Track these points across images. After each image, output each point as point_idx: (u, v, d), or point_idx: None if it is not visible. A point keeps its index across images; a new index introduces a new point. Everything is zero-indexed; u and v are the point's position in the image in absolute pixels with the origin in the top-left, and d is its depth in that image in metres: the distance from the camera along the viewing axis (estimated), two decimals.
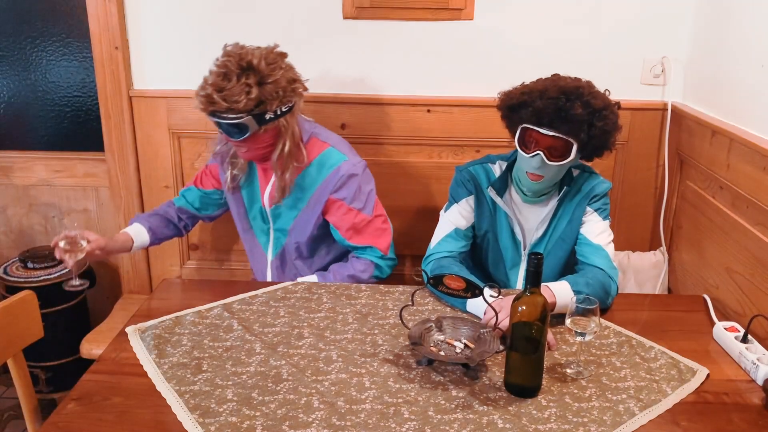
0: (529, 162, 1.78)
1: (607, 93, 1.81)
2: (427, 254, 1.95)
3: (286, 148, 1.88)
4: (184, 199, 2.13)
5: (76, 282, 1.91)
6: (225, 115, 1.78)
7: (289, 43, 2.33)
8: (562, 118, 1.71)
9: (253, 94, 1.76)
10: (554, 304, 1.66)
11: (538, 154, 1.75)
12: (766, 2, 1.79)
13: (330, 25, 2.33)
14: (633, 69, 2.35)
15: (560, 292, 1.67)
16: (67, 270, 2.45)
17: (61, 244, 1.80)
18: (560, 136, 1.73)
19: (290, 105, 1.86)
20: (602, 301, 1.71)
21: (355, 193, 1.93)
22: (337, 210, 1.95)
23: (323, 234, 2.03)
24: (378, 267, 1.94)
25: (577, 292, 1.67)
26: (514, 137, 1.82)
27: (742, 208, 1.83)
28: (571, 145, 1.75)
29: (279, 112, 1.84)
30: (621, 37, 2.31)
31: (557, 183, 1.88)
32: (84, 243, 1.82)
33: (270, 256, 2.10)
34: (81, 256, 1.83)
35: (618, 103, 1.82)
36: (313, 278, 1.96)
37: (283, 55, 1.86)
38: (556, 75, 1.82)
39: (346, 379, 1.46)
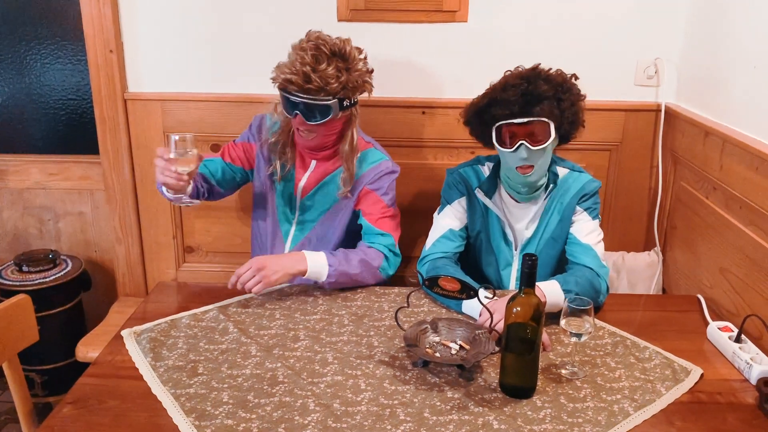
0: (514, 157, 1.78)
1: (559, 71, 1.84)
2: (422, 256, 1.96)
3: (355, 138, 1.97)
4: (206, 168, 2.06)
5: (188, 199, 1.84)
6: (315, 96, 1.82)
7: (283, 46, 2.35)
8: (531, 101, 1.74)
9: (343, 78, 1.82)
10: (544, 304, 1.66)
11: (521, 144, 1.75)
12: (758, 4, 1.80)
13: (325, 27, 2.28)
14: (626, 70, 2.36)
15: (550, 291, 1.68)
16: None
17: (171, 155, 1.73)
18: (535, 119, 1.75)
19: (361, 96, 1.95)
20: (593, 300, 1.72)
21: (387, 188, 2.00)
22: (369, 199, 2.00)
23: (350, 231, 2.05)
24: (387, 259, 1.93)
25: (566, 291, 1.69)
26: (491, 142, 1.83)
27: (735, 208, 1.84)
28: (548, 126, 1.76)
29: (354, 101, 1.93)
30: (614, 39, 2.32)
31: (544, 182, 1.88)
32: (193, 152, 1.74)
33: (288, 246, 2.10)
34: (193, 167, 1.76)
35: (573, 75, 1.85)
36: (321, 255, 1.89)
37: (360, 49, 1.93)
38: (508, 71, 1.85)
39: (342, 381, 1.47)
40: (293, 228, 2.08)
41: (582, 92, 1.84)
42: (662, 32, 2.30)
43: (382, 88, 2.38)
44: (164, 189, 1.82)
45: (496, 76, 1.85)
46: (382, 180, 1.99)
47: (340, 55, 1.83)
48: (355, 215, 2.02)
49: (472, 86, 1.89)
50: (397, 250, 1.97)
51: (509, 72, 1.84)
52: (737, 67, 1.91)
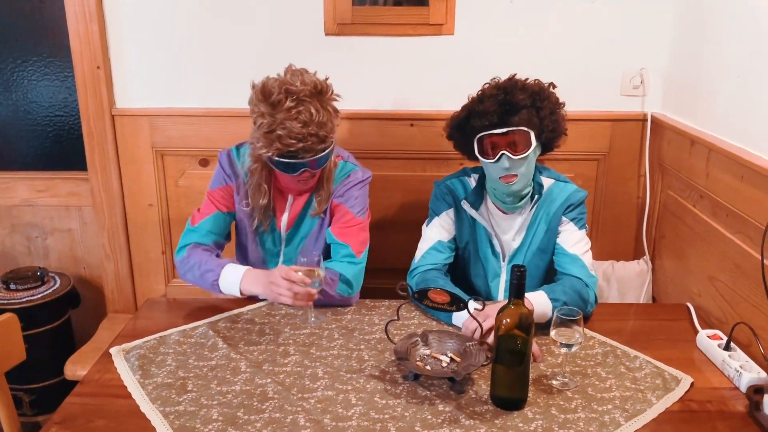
0: (497, 167, 1.80)
1: (537, 81, 1.86)
2: (411, 268, 1.96)
3: (331, 163, 1.92)
4: (212, 235, 1.94)
5: (315, 318, 1.78)
6: (320, 147, 1.75)
7: (271, 61, 2.34)
8: (509, 111, 1.76)
9: (331, 112, 1.77)
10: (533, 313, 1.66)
11: (502, 154, 1.77)
12: (741, 14, 1.83)
13: (312, 41, 2.34)
14: (613, 80, 2.38)
15: (537, 301, 1.69)
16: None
17: (300, 274, 1.68)
18: (515, 129, 1.77)
19: None
20: (581, 309, 1.73)
21: (356, 198, 1.95)
22: (338, 212, 1.96)
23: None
24: (344, 281, 1.85)
25: (553, 300, 1.69)
26: (474, 154, 1.85)
27: (722, 216, 1.86)
28: (528, 134, 1.78)
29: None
30: (600, 50, 2.34)
31: (529, 191, 1.89)
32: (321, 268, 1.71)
33: None
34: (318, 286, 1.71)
35: (551, 83, 1.87)
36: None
37: (313, 72, 1.85)
38: (486, 83, 1.87)
39: (333, 396, 1.46)
40: (281, 260, 2.04)
41: (561, 100, 1.86)
42: (647, 43, 2.33)
43: (370, 101, 2.41)
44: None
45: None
46: (350, 192, 1.95)
47: (318, 92, 1.75)
48: None
49: (459, 98, 1.90)
50: (357, 258, 1.88)
51: (487, 84, 1.86)
52: (721, 77, 1.93)
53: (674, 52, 2.28)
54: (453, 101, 1.95)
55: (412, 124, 2.41)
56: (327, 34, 2.33)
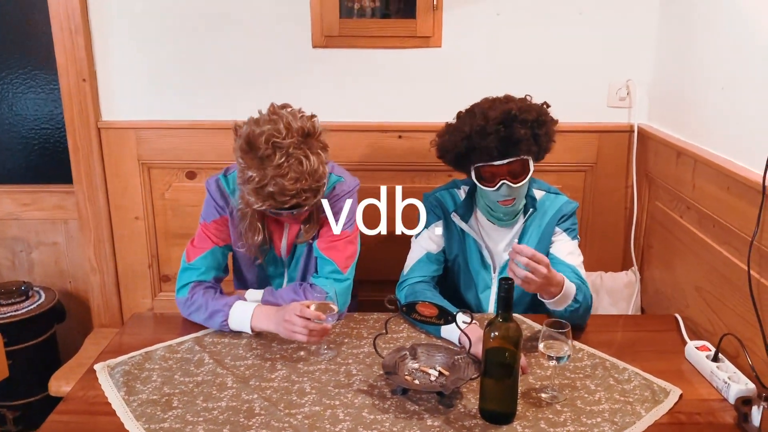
0: (496, 194, 1.81)
1: (528, 98, 1.85)
2: (400, 280, 1.95)
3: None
4: (212, 271, 1.88)
5: (327, 351, 1.72)
6: (315, 200, 1.71)
7: (258, 73, 2.37)
8: (510, 144, 1.76)
9: (323, 156, 1.69)
10: (560, 290, 1.68)
11: (503, 184, 1.78)
12: (725, 27, 1.84)
13: (300, 54, 2.34)
14: (599, 92, 2.39)
15: (566, 289, 1.70)
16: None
17: (313, 307, 1.65)
18: (515, 159, 1.77)
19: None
20: (586, 312, 1.79)
21: (342, 211, 1.89)
22: (325, 225, 1.90)
23: None
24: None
25: (574, 300, 1.73)
26: (467, 175, 1.86)
27: (708, 227, 1.86)
28: (528, 162, 1.79)
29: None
30: (586, 62, 2.35)
31: (523, 203, 1.90)
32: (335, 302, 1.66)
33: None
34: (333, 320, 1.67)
35: (545, 103, 1.86)
36: (258, 295, 1.86)
37: (297, 109, 1.77)
38: (474, 106, 1.84)
39: (320, 412, 1.44)
40: (285, 281, 2.00)
41: (554, 117, 1.86)
42: (633, 54, 2.34)
43: (358, 113, 2.41)
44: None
45: (470, 100, 1.86)
46: (336, 204, 1.88)
47: (306, 136, 1.66)
48: None
49: (447, 110, 1.90)
50: (343, 275, 1.85)
51: (486, 103, 1.82)
52: (706, 88, 1.95)
53: (660, 64, 2.30)
54: (441, 113, 1.95)
55: (400, 136, 2.41)
56: (314, 46, 2.33)
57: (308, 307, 1.65)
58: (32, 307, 2.48)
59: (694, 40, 2.04)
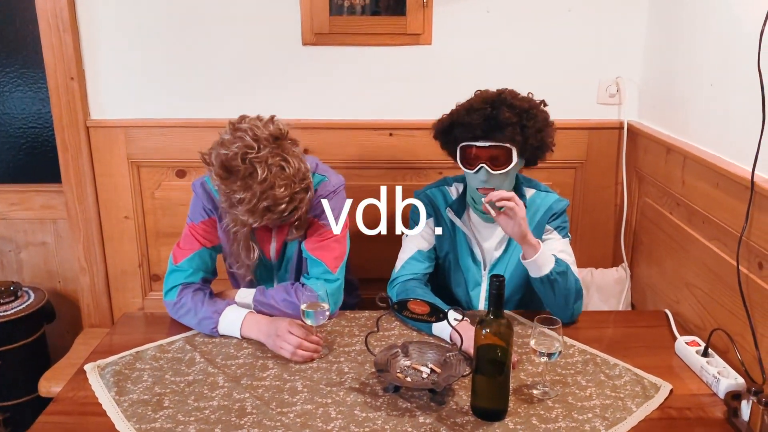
0: (475, 178, 1.81)
1: (530, 95, 1.86)
2: (392, 278, 1.95)
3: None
4: (199, 272, 1.87)
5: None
6: (308, 197, 1.70)
7: (249, 71, 2.35)
8: (493, 126, 1.76)
9: (299, 153, 1.68)
10: (539, 247, 1.74)
11: (481, 167, 1.78)
12: (713, 23, 1.85)
13: (289, 51, 2.33)
14: (589, 89, 2.40)
15: (545, 252, 1.76)
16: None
17: (309, 321, 1.66)
18: (497, 144, 1.77)
19: None
20: (567, 296, 1.80)
21: (324, 210, 1.87)
22: (312, 226, 1.89)
23: None
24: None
25: (557, 263, 1.76)
26: (453, 157, 1.86)
27: (698, 223, 1.87)
28: (510, 151, 1.78)
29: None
30: (576, 59, 2.36)
31: None
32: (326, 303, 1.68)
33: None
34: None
35: (543, 101, 1.87)
36: (250, 295, 1.85)
37: (269, 118, 1.74)
38: (478, 90, 1.87)
39: (312, 410, 1.44)
40: (275, 280, 2.00)
41: (550, 119, 1.85)
42: (623, 51, 2.35)
43: (348, 111, 2.40)
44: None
45: (460, 97, 1.87)
46: (320, 205, 1.86)
47: (276, 140, 1.65)
48: None
49: (438, 107, 1.90)
50: (333, 275, 1.84)
51: (479, 92, 1.86)
52: (695, 85, 1.96)
53: (649, 61, 2.31)
54: (431, 110, 1.95)
55: (390, 134, 2.41)
56: (304, 44, 2.32)
57: (303, 311, 1.65)
58: (21, 307, 2.46)
59: (683, 37, 2.05)
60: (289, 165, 1.63)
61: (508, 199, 1.69)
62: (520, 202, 1.71)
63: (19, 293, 2.52)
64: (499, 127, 1.75)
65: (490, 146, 1.77)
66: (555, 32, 2.33)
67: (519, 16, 2.32)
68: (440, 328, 1.72)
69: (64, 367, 2.33)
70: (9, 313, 2.42)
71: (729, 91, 1.76)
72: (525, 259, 1.77)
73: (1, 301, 2.45)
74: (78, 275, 2.56)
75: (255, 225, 1.69)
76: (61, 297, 2.73)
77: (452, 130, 1.82)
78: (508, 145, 1.77)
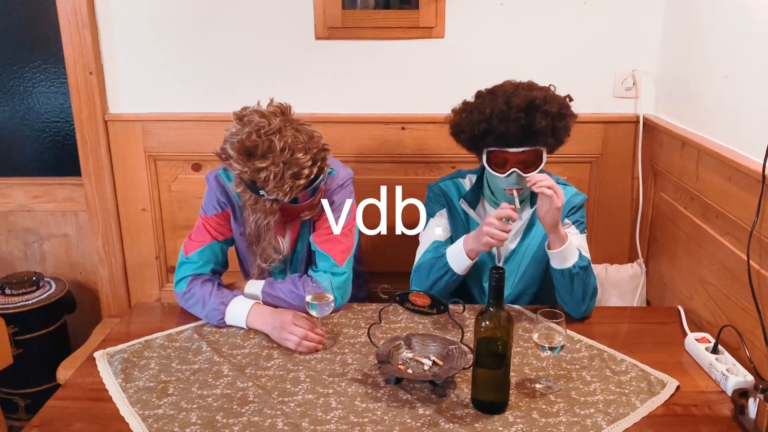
0: (505, 180, 1.79)
1: (552, 88, 1.83)
2: (412, 271, 1.93)
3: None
4: (210, 264, 1.88)
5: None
6: (313, 179, 1.71)
7: (262, 65, 2.38)
8: (528, 134, 1.73)
9: (304, 122, 1.72)
10: (562, 244, 1.74)
11: (513, 172, 1.76)
12: (728, 16, 1.81)
13: (302, 46, 2.35)
14: (605, 82, 2.37)
15: (572, 245, 1.76)
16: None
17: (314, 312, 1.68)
18: (530, 148, 1.75)
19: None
20: (585, 292, 1.79)
21: (337, 203, 1.89)
22: (321, 218, 1.90)
23: None
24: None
25: (580, 258, 1.76)
26: (479, 158, 1.84)
27: (711, 218, 1.83)
28: (542, 153, 1.77)
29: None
30: (592, 52, 2.33)
31: (528, 195, 1.89)
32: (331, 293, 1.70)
33: None
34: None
35: (568, 96, 1.84)
36: (258, 287, 1.87)
37: (282, 104, 1.78)
38: (496, 88, 1.82)
39: (313, 400, 1.45)
40: (288, 271, 2.01)
41: (575, 113, 1.83)
42: (639, 44, 2.31)
43: (361, 105, 2.41)
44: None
45: (473, 91, 1.85)
46: (331, 197, 1.87)
47: (283, 115, 1.70)
48: None
49: (450, 101, 1.89)
50: (340, 268, 1.84)
51: (502, 91, 1.78)
52: (710, 77, 1.91)
53: (665, 54, 2.27)
54: (444, 104, 1.94)
55: (403, 128, 2.40)
56: (317, 38, 2.33)
57: (308, 303, 1.67)
58: (42, 297, 2.53)
59: (698, 30, 2.01)
60: (301, 133, 1.68)
61: (549, 187, 1.68)
62: (561, 192, 1.69)
63: (41, 283, 2.59)
64: (533, 134, 1.73)
65: (522, 151, 1.75)
66: (570, 25, 2.30)
67: (533, 9, 2.29)
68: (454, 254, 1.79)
69: (81, 356, 2.38)
70: (30, 302, 2.49)
71: (743, 83, 1.72)
72: (551, 249, 1.75)
73: (23, 290, 2.52)
74: (97, 266, 2.61)
75: (285, 199, 1.69)
76: (82, 287, 2.79)
77: (484, 138, 1.77)
78: (539, 147, 1.76)
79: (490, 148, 1.78)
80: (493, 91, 1.81)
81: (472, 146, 1.85)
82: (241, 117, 1.70)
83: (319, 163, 1.70)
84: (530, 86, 1.80)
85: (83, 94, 2.40)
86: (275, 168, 1.62)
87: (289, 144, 1.63)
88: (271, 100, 1.76)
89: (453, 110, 1.88)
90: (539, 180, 1.69)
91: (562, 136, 1.80)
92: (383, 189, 2.32)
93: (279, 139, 1.63)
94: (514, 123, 1.71)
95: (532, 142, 1.74)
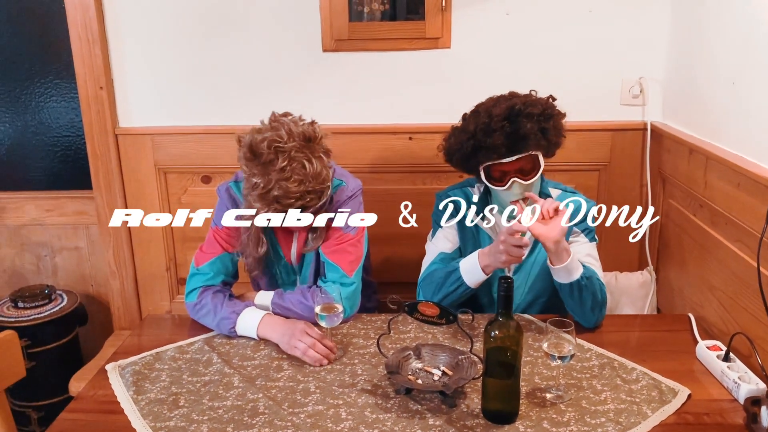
0: (508, 194, 1.79)
1: (533, 93, 1.84)
2: (418, 282, 1.94)
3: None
4: (220, 275, 1.90)
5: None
6: (320, 203, 1.73)
7: (270, 78, 2.40)
8: (516, 140, 1.74)
9: (325, 161, 1.73)
10: (567, 258, 1.71)
11: (513, 182, 1.76)
12: (735, 23, 1.81)
13: (310, 58, 2.37)
14: (612, 90, 2.37)
15: (574, 259, 1.73)
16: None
17: (323, 323, 1.69)
18: (524, 155, 1.76)
19: None
20: (595, 301, 1.77)
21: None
22: (330, 230, 1.90)
23: None
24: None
25: (584, 268, 1.74)
26: (477, 177, 1.84)
27: (720, 225, 1.83)
28: (537, 157, 1.78)
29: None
30: (599, 60, 2.33)
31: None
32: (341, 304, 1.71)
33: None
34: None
35: (550, 96, 1.85)
36: (268, 298, 1.88)
37: (296, 117, 1.80)
38: (478, 106, 1.84)
39: (323, 411, 1.46)
40: (298, 282, 2.02)
41: (562, 110, 1.84)
42: (646, 52, 2.32)
43: (368, 116, 2.42)
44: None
45: (480, 100, 1.85)
46: (339, 208, 1.88)
47: (307, 141, 1.69)
48: None
49: (457, 111, 1.90)
50: (349, 278, 1.85)
51: (483, 107, 1.81)
52: (717, 84, 1.91)
53: (672, 61, 2.27)
54: (451, 114, 1.95)
55: (410, 138, 2.42)
56: (325, 50, 2.36)
57: (317, 314, 1.68)
58: (55, 309, 2.55)
59: (705, 36, 2.01)
60: (311, 165, 1.67)
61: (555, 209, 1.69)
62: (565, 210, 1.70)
63: (53, 296, 2.61)
64: (522, 139, 1.74)
65: (516, 159, 1.76)
66: (576, 33, 2.31)
67: (539, 18, 2.30)
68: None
69: (93, 368, 2.40)
70: (42, 315, 2.51)
71: (751, 90, 1.72)
72: (554, 265, 1.73)
73: (36, 304, 2.54)
74: (109, 279, 2.63)
75: (263, 213, 1.72)
76: (94, 300, 2.81)
77: (475, 154, 1.79)
78: (533, 152, 1.76)
79: (485, 164, 1.79)
80: (475, 110, 1.84)
81: (466, 166, 1.86)
82: (276, 119, 1.74)
83: (305, 201, 1.69)
84: (510, 95, 1.83)
85: (94, 108, 2.43)
86: (265, 182, 1.65)
87: (289, 168, 1.64)
88: (312, 122, 1.76)
89: (444, 138, 1.91)
90: (548, 204, 1.70)
91: (553, 137, 1.79)
92: (392, 199, 2.34)
93: (283, 159, 1.64)
94: (500, 132, 1.73)
95: (524, 148, 1.75)
